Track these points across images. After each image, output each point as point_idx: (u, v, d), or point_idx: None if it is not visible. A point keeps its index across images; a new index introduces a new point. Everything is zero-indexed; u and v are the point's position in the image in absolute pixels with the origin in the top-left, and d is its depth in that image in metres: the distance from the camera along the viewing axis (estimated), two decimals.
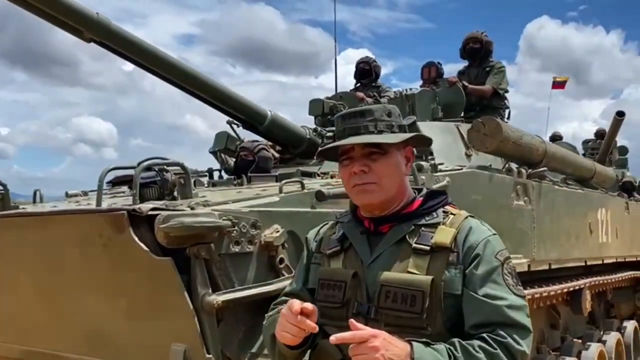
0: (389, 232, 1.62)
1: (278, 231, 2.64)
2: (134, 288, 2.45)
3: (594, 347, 5.36)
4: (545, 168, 4.53)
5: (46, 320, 2.79)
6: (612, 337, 5.89)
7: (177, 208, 2.43)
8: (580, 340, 5.56)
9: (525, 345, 1.47)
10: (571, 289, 4.87)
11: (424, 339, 1.46)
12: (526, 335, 1.48)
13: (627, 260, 6.56)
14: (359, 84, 6.93)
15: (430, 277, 1.51)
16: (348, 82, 6.33)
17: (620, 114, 8.46)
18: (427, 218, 1.62)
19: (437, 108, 5.45)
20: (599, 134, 11.46)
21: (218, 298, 2.39)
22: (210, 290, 2.40)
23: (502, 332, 1.46)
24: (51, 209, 2.87)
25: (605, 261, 5.79)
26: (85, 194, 4.46)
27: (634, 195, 8.00)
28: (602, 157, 8.62)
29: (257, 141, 5.11)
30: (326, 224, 1.82)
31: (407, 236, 1.59)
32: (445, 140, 4.94)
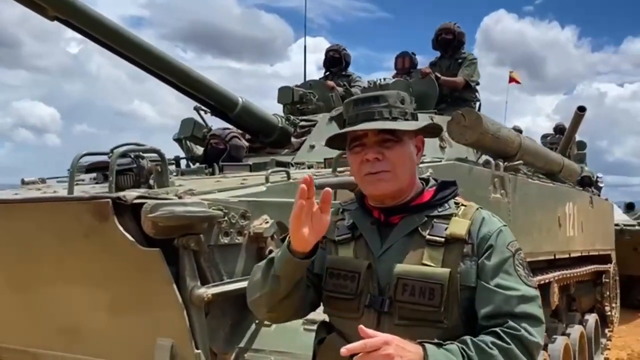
0: (400, 224, 1.60)
1: (267, 222, 2.59)
2: (117, 280, 2.35)
3: (560, 340, 5.48)
4: (521, 161, 4.59)
5: (19, 315, 2.66)
6: (575, 331, 6.03)
7: (164, 197, 2.34)
8: (545, 334, 5.64)
9: (539, 337, 1.47)
10: (541, 282, 4.95)
11: (435, 340, 1.45)
12: (539, 326, 1.48)
13: (590, 254, 6.72)
14: (328, 73, 6.88)
15: (448, 270, 1.50)
16: (307, 71, 6.23)
17: (582, 109, 8.64)
18: (439, 209, 1.61)
19: (411, 99, 5.44)
20: (558, 129, 11.75)
21: (208, 291, 2.32)
22: (199, 283, 2.33)
23: (514, 325, 1.45)
24: (23, 197, 2.72)
25: (572, 255, 5.92)
26: (42, 181, 4.27)
27: (591, 190, 8.22)
28: (562, 152, 8.81)
29: (228, 129, 5.01)
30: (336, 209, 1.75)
31: (419, 228, 1.57)
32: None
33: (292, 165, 4.43)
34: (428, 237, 1.55)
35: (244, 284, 2.39)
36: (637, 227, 10.39)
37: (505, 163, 4.39)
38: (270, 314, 1.68)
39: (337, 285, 1.60)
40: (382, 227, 1.62)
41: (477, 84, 6.16)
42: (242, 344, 2.46)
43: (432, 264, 1.51)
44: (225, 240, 2.44)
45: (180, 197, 2.38)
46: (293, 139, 5.38)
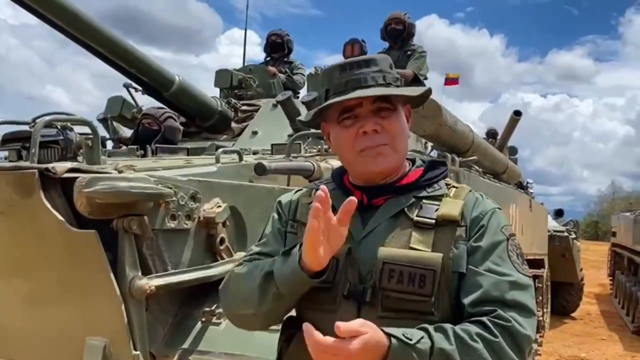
0: (384, 205, 1.50)
1: (220, 206, 2.37)
2: (42, 267, 2.05)
3: None
4: (475, 157, 4.51)
5: None
6: None
7: (102, 170, 2.06)
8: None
9: (530, 329, 1.36)
10: None
11: (405, 329, 1.30)
12: (530, 318, 1.37)
13: (527, 257, 6.79)
14: (269, 58, 6.69)
15: (440, 254, 1.40)
16: (232, 63, 6.13)
17: (517, 114, 8.75)
18: (428, 190, 1.52)
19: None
20: (490, 133, 11.96)
21: (151, 282, 2.06)
22: (140, 273, 2.06)
23: (504, 315, 1.34)
24: None
25: None
26: None
27: (531, 194, 8.37)
28: None
29: (162, 108, 4.76)
30: (300, 189, 1.67)
31: (405, 209, 1.48)
32: None
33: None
34: (416, 218, 1.45)
35: (191, 276, 2.25)
36: (565, 234, 10.72)
37: (460, 158, 4.29)
38: (263, 328, 1.56)
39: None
40: (364, 210, 1.50)
41: (426, 78, 6.10)
42: (185, 345, 2.21)
43: (421, 248, 1.41)
44: (172, 224, 2.20)
45: (120, 172, 2.10)
46: (233, 124, 5.20)
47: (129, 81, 4.85)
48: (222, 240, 2.37)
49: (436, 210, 1.46)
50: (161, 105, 4.85)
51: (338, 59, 6.24)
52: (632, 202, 29.39)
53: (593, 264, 18.86)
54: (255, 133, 4.95)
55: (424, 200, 1.49)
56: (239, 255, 2.38)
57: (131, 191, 1.94)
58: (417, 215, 1.45)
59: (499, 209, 1.50)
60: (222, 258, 2.37)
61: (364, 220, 1.49)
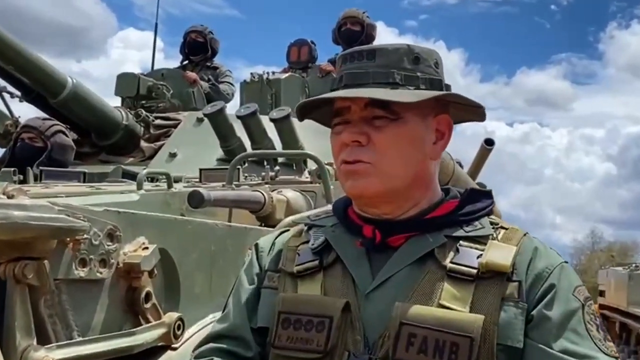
0: (404, 245, 1.45)
1: (146, 247, 2.23)
2: None
3: None
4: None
5: None
6: None
7: None
8: None
9: None
10: None
11: None
12: None
13: None
14: (187, 62, 6.75)
15: (481, 317, 1.32)
16: (126, 70, 6.16)
17: (489, 143, 8.92)
18: (466, 228, 1.46)
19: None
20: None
21: (50, 355, 1.88)
22: (35, 342, 1.88)
23: None
24: None
25: None
26: None
27: None
28: None
29: (50, 119, 4.71)
30: (286, 230, 1.65)
31: (435, 252, 1.41)
32: (323, 143, 4.86)
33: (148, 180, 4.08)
34: (451, 265, 1.38)
35: (105, 346, 2.10)
36: None
37: None
38: None
39: (296, 339, 1.42)
40: (375, 251, 1.46)
41: None
42: None
43: (456, 307, 1.34)
44: (82, 272, 2.02)
45: (10, 196, 1.93)
46: (143, 144, 5.18)
47: (3, 83, 4.85)
48: (147, 296, 2.24)
49: (479, 257, 1.38)
50: (47, 116, 4.79)
51: (258, 70, 6.29)
52: (614, 254, 30.67)
53: None
54: (173, 155, 4.93)
55: (461, 242, 1.42)
56: (170, 317, 2.29)
57: (30, 223, 1.75)
58: (451, 261, 1.38)
59: (566, 262, 1.46)
60: (148, 321, 2.25)
61: (374, 265, 1.43)
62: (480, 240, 1.42)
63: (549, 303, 1.35)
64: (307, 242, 1.54)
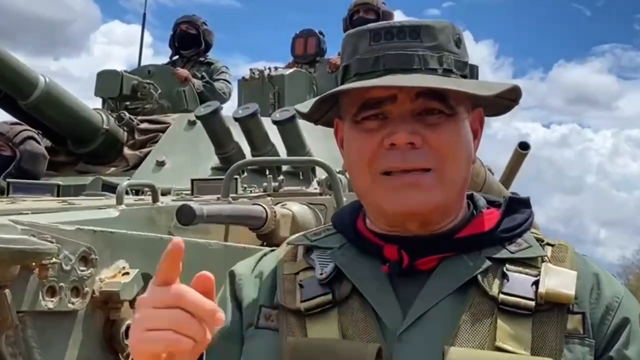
0: (439, 270, 1.36)
1: (127, 272, 2.25)
2: None
3: None
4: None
5: None
6: None
7: None
8: None
9: None
10: None
11: None
12: None
13: None
14: (177, 57, 6.77)
15: None
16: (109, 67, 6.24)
17: (524, 147, 8.88)
18: (510, 248, 1.38)
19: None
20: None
21: None
22: None
23: None
24: None
25: None
26: None
27: None
28: None
29: (19, 124, 4.73)
30: (271, 250, 1.55)
31: (479, 278, 1.33)
32: (334, 148, 4.87)
33: (131, 192, 4.15)
34: (503, 296, 1.30)
35: None
36: None
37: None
38: None
39: None
40: (400, 277, 1.36)
41: None
42: None
43: (515, 349, 1.27)
44: (50, 303, 2.05)
45: None
46: (126, 151, 5.20)
47: None
48: (129, 330, 2.17)
49: (533, 284, 1.32)
50: (16, 120, 4.82)
51: (259, 65, 6.29)
52: None
53: None
54: (161, 164, 4.93)
55: (507, 266, 1.34)
56: None
57: None
58: (502, 291, 1.31)
59: (623, 283, 1.44)
60: (128, 358, 2.19)
61: (401, 296, 1.34)
62: (530, 263, 1.36)
63: (627, 342, 1.32)
64: (309, 268, 1.43)
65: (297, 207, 3.26)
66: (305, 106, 1.49)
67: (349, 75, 1.38)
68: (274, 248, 1.55)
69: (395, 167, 1.32)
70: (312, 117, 1.51)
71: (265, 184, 3.83)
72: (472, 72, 1.43)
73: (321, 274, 1.40)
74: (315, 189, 4.20)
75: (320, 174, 4.36)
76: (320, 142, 4.62)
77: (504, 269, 1.34)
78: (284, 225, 3.06)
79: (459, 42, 1.41)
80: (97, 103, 6.03)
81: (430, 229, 1.39)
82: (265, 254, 1.53)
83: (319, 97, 1.46)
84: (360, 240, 1.43)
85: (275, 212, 2.93)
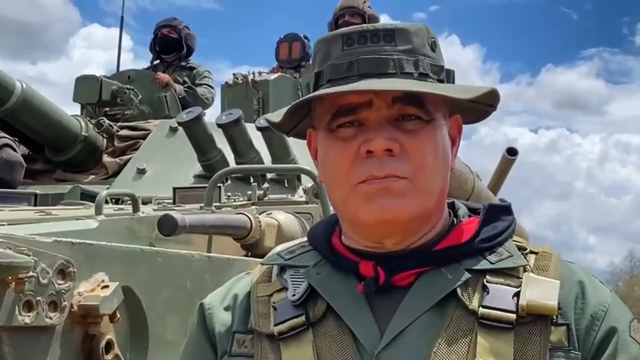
0: (417, 285, 1.34)
1: (106, 286, 2.20)
2: None
3: None
4: None
5: None
6: None
7: None
8: None
9: None
10: None
11: None
12: None
13: None
14: (158, 62, 6.81)
15: None
16: (89, 72, 6.36)
17: (512, 152, 8.90)
18: (491, 258, 1.36)
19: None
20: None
21: None
22: None
23: None
24: None
25: None
26: None
27: None
28: None
29: None
30: (247, 274, 1.52)
31: (458, 292, 1.31)
32: None
33: (111, 202, 4.16)
34: (483, 310, 1.28)
35: None
36: None
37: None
38: None
39: None
40: (377, 294, 1.35)
41: None
42: None
43: None
44: (27, 318, 1.99)
45: None
46: (106, 158, 5.24)
47: None
48: (109, 345, 2.21)
49: (514, 296, 1.29)
50: None
51: (242, 70, 6.27)
52: None
53: None
54: (142, 171, 4.93)
55: (487, 277, 1.32)
56: None
57: None
58: (482, 305, 1.28)
59: (612, 291, 1.42)
60: None
61: (378, 314, 1.33)
62: (511, 273, 1.34)
63: (614, 353, 1.30)
64: (283, 289, 1.42)
65: (282, 216, 3.26)
66: (277, 115, 1.45)
67: (322, 81, 1.36)
68: (249, 272, 1.52)
69: (372, 176, 1.30)
70: (284, 127, 1.48)
71: (249, 192, 3.84)
72: (448, 76, 1.41)
73: (293, 295, 1.38)
74: (301, 197, 4.22)
75: (306, 181, 4.37)
76: (305, 149, 4.55)
77: (484, 281, 1.32)
78: (269, 235, 3.07)
79: (434, 46, 1.40)
80: (76, 109, 6.08)
81: (408, 241, 1.37)
82: (240, 278, 1.51)
83: (289, 105, 1.41)
84: (335, 256, 1.41)
85: (260, 222, 2.94)
